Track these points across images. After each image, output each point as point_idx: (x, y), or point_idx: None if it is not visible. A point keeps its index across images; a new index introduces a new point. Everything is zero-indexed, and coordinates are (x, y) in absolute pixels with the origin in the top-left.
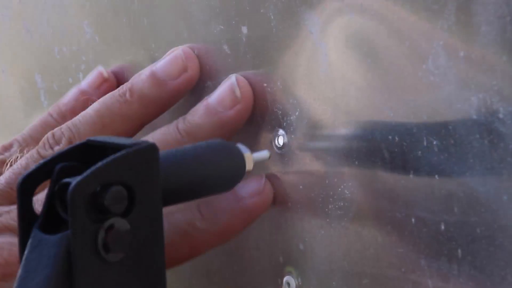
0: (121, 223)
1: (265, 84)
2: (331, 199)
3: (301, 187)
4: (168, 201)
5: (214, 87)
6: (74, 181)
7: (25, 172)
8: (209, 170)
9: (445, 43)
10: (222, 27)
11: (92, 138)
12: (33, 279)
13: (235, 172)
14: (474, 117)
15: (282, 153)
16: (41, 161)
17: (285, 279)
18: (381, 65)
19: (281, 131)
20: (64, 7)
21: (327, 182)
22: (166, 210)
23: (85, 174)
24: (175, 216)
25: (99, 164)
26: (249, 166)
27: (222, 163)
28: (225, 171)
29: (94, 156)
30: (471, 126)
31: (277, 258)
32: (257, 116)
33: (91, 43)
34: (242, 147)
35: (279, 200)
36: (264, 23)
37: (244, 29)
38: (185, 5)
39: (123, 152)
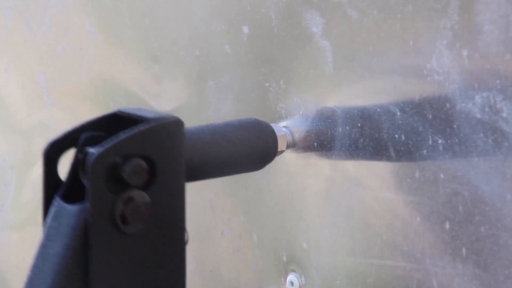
0: (140, 196)
1: (267, 84)
2: (335, 198)
3: (305, 185)
4: (193, 176)
5: (216, 87)
6: (96, 151)
7: (51, 139)
8: (238, 146)
9: (449, 42)
10: (223, 26)
11: (122, 108)
12: (53, 248)
13: (266, 150)
14: (478, 116)
15: (287, 153)
16: (67, 129)
17: (288, 278)
18: (386, 65)
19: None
20: (66, 6)
21: (331, 181)
22: None
23: (107, 145)
24: None
25: (122, 136)
26: (281, 146)
27: (252, 140)
28: (255, 148)
29: (121, 127)
30: (475, 125)
31: (281, 257)
32: (260, 116)
33: (94, 42)
34: (276, 127)
35: (284, 199)
36: (265, 22)
37: (245, 29)
38: (187, 5)
39: (146, 125)
